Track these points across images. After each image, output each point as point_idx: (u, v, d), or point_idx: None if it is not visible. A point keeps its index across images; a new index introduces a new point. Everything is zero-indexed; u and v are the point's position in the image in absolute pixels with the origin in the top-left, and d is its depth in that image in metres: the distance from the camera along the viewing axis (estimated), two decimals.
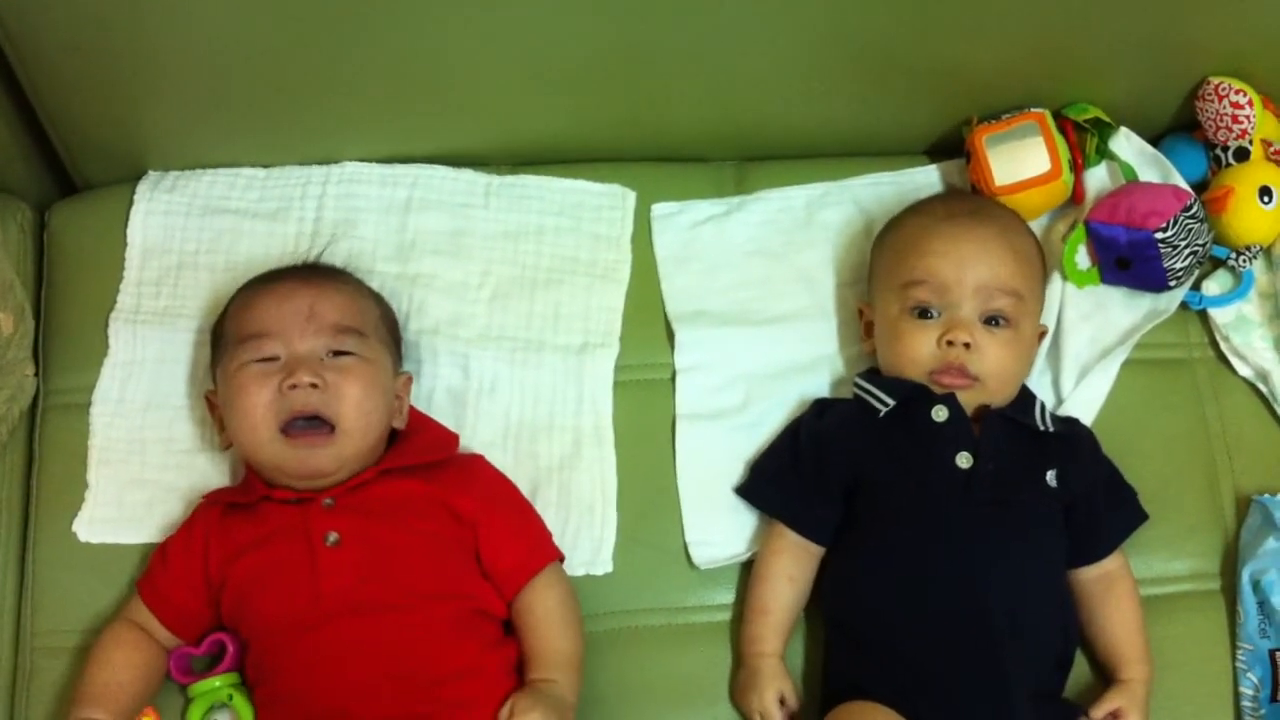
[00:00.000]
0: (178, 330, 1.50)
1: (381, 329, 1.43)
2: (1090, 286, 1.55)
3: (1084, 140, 1.58)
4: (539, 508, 1.42)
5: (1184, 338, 1.57)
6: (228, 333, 1.39)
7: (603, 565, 1.43)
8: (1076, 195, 1.58)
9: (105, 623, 1.36)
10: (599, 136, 1.60)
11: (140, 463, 1.45)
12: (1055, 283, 1.55)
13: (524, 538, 1.37)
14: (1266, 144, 1.57)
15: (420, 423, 1.44)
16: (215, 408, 1.41)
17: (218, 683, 1.34)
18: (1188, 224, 1.49)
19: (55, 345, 1.51)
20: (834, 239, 1.60)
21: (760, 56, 1.50)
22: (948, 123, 1.62)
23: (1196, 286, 1.57)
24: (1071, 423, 1.47)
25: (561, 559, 1.38)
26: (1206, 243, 1.52)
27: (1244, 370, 1.55)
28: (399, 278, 1.53)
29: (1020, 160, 1.54)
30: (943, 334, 1.39)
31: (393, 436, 1.41)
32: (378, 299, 1.47)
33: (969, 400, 1.39)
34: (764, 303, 1.56)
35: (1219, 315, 1.57)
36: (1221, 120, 1.56)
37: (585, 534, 1.44)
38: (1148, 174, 1.59)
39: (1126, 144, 1.60)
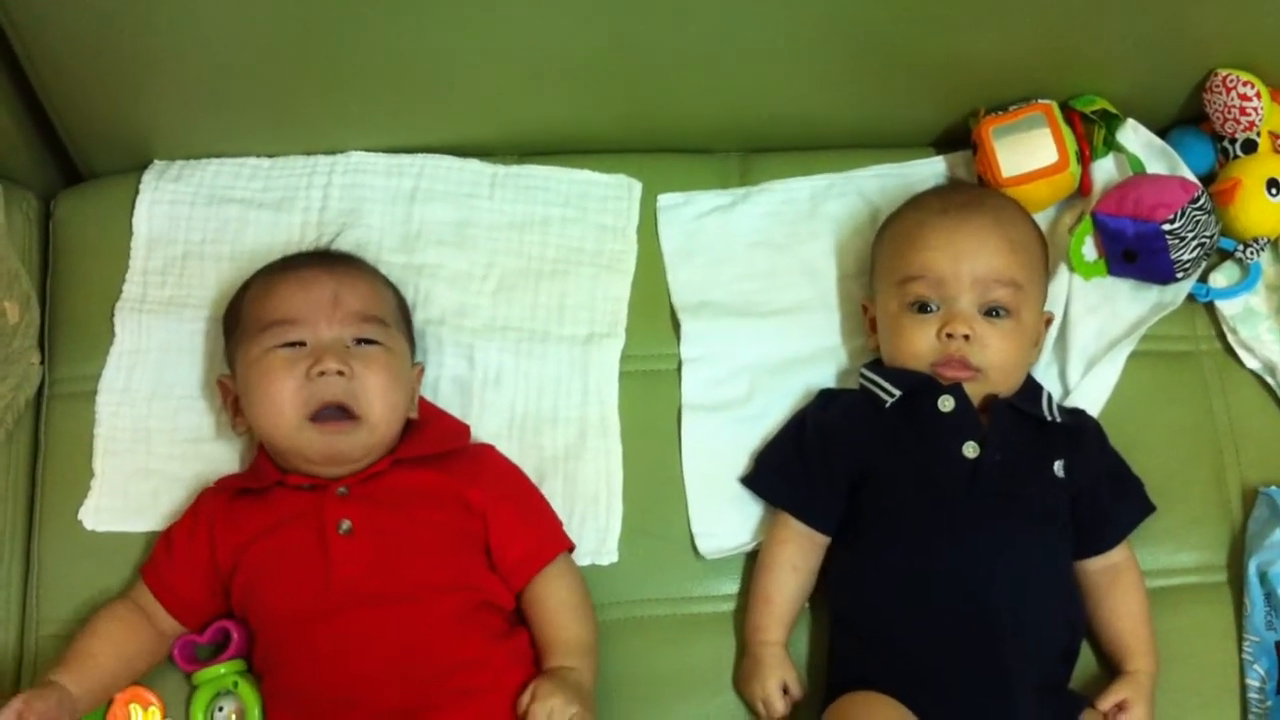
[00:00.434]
0: (183, 320, 1.50)
1: (399, 318, 1.43)
2: (1097, 278, 1.55)
3: (1091, 132, 1.58)
4: None
5: (1191, 330, 1.57)
6: (247, 318, 1.39)
7: (608, 555, 1.43)
8: (1083, 187, 1.58)
9: None
10: (604, 128, 1.60)
11: (146, 452, 1.45)
12: (1062, 275, 1.55)
13: (534, 528, 1.38)
14: (1274, 136, 1.57)
15: (431, 413, 1.44)
16: (229, 393, 1.41)
17: (222, 670, 1.34)
18: (1195, 216, 1.49)
19: (61, 334, 1.51)
20: (839, 231, 1.59)
21: (766, 48, 1.50)
22: (954, 114, 1.62)
23: (1204, 279, 1.57)
24: (1078, 414, 1.47)
25: (572, 548, 1.39)
26: (1214, 235, 1.52)
27: (1251, 362, 1.55)
28: (404, 268, 1.53)
29: (1027, 152, 1.53)
30: (941, 327, 1.40)
31: (405, 427, 1.40)
32: (394, 288, 1.47)
33: (975, 391, 1.39)
34: (769, 295, 1.56)
35: (1226, 307, 1.56)
36: (1229, 112, 1.56)
37: (590, 524, 1.44)
38: (1155, 166, 1.59)
39: (1134, 136, 1.60)
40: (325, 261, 1.43)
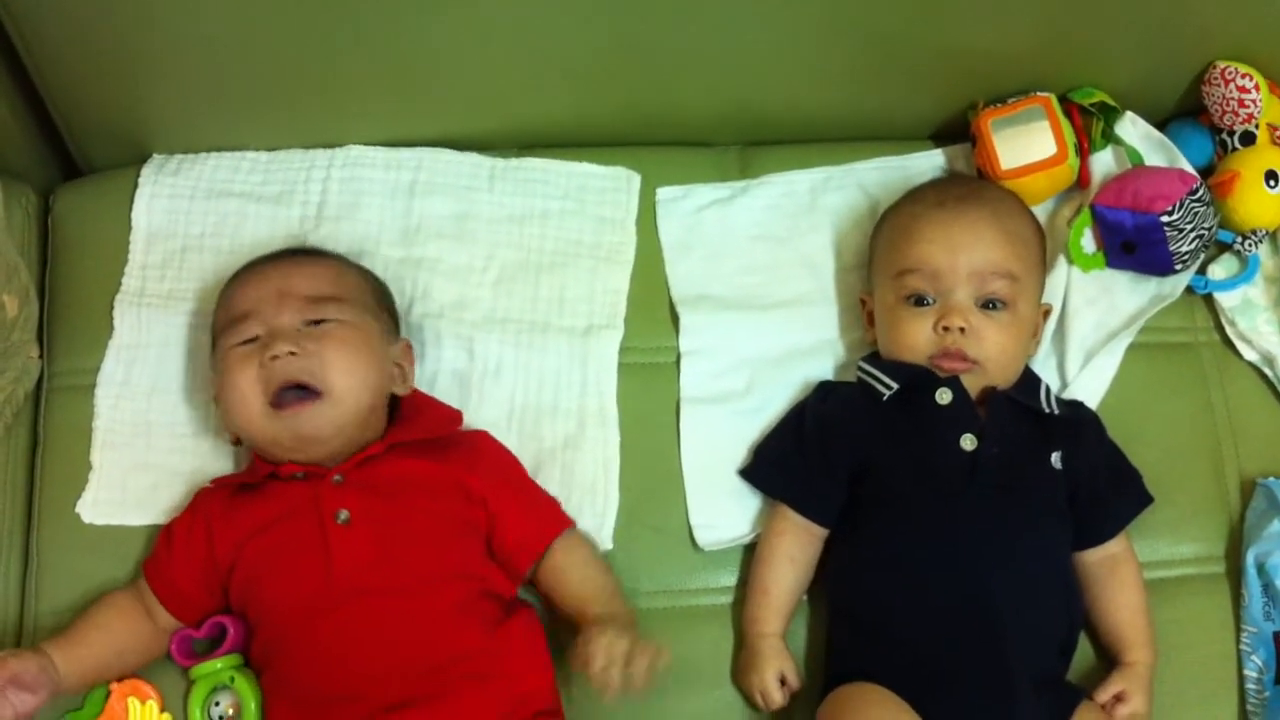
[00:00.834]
0: (182, 314, 1.50)
1: (366, 296, 1.43)
2: (1096, 270, 1.55)
3: (1090, 124, 1.57)
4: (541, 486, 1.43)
5: (1189, 322, 1.57)
6: (217, 323, 1.40)
7: (603, 543, 1.43)
8: (1082, 179, 1.57)
9: None
10: (603, 120, 1.60)
11: (145, 446, 1.45)
12: (1060, 267, 1.55)
13: (538, 507, 1.39)
14: (1273, 128, 1.56)
15: (422, 401, 1.44)
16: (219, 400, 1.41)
17: (219, 665, 1.34)
18: (1193, 208, 1.49)
19: (60, 328, 1.51)
20: (838, 224, 1.59)
21: (765, 40, 1.50)
22: (953, 107, 1.61)
23: (1202, 270, 1.57)
24: (1076, 406, 1.46)
25: (573, 525, 1.40)
26: (1212, 227, 1.52)
27: (1249, 354, 1.55)
28: (403, 261, 1.54)
29: (1026, 144, 1.53)
30: (938, 320, 1.40)
31: (396, 414, 1.41)
32: (362, 271, 1.47)
33: (972, 383, 1.39)
34: (768, 287, 1.56)
35: (1224, 299, 1.56)
36: (1228, 105, 1.56)
37: (587, 511, 1.44)
38: (1154, 158, 1.59)
39: (1132, 128, 1.60)
40: (280, 257, 1.44)
